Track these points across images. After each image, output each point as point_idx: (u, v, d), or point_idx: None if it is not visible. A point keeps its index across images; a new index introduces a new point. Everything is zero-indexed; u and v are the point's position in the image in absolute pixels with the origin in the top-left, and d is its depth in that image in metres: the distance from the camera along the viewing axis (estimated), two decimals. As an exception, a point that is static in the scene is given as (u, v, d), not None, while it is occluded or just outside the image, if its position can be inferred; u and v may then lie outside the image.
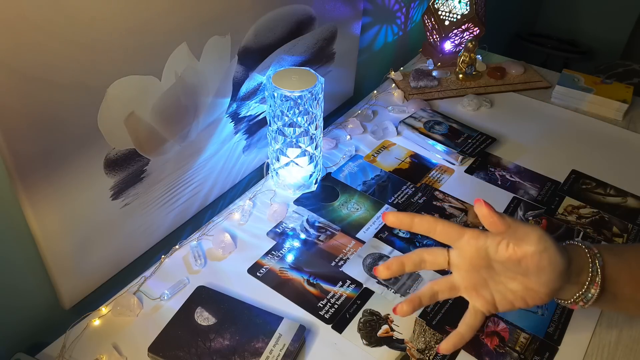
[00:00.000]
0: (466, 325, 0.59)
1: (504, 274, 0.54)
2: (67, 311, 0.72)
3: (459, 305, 0.74)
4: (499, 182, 0.96)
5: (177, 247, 0.80)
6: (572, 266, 0.54)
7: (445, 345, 0.59)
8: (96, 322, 0.70)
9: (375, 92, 1.19)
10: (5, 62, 0.51)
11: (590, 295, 0.55)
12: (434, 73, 1.24)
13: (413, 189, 0.93)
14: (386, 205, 0.89)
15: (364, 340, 0.69)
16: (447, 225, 0.55)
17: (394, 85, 1.22)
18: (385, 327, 0.71)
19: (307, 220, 0.86)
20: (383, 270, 0.57)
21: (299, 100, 0.79)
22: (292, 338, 0.66)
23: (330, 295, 0.74)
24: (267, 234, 0.84)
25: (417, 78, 1.19)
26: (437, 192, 0.93)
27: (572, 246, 0.56)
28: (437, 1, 1.25)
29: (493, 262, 0.54)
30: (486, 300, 0.56)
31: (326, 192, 0.92)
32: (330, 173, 0.96)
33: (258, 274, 0.77)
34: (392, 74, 1.24)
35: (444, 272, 0.76)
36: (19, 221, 0.62)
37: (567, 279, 0.54)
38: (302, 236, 0.83)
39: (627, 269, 0.56)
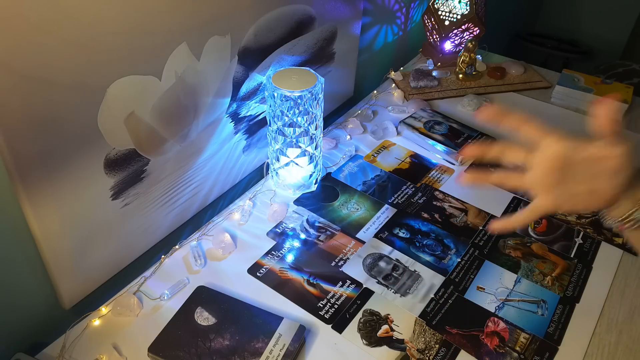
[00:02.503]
0: (523, 217, 0.60)
1: (577, 176, 0.56)
2: (67, 311, 0.72)
3: (459, 306, 0.74)
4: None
5: (177, 247, 0.80)
6: (634, 187, 0.56)
7: (496, 225, 0.61)
8: (96, 322, 0.70)
9: (375, 92, 1.19)
10: (5, 62, 0.51)
11: (639, 215, 0.56)
12: (434, 73, 1.24)
13: (413, 189, 0.93)
14: (386, 206, 0.89)
15: (364, 340, 0.69)
16: (534, 125, 0.58)
17: (394, 85, 1.22)
18: (385, 327, 0.71)
19: (307, 220, 0.86)
20: (468, 151, 0.61)
21: (299, 100, 0.79)
22: (292, 338, 0.66)
23: (330, 295, 0.74)
24: (267, 234, 0.84)
25: (417, 78, 1.19)
26: (437, 192, 0.93)
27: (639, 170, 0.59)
28: (437, 1, 1.25)
29: (572, 162, 0.56)
30: (553, 199, 0.58)
31: (326, 192, 0.92)
32: (330, 173, 0.96)
33: (258, 274, 0.77)
34: (392, 74, 1.24)
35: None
36: (19, 221, 0.62)
37: (628, 189, 0.56)
38: (302, 236, 0.83)
39: None
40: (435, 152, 1.02)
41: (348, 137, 1.05)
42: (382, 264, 0.79)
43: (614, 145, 0.55)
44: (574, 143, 0.56)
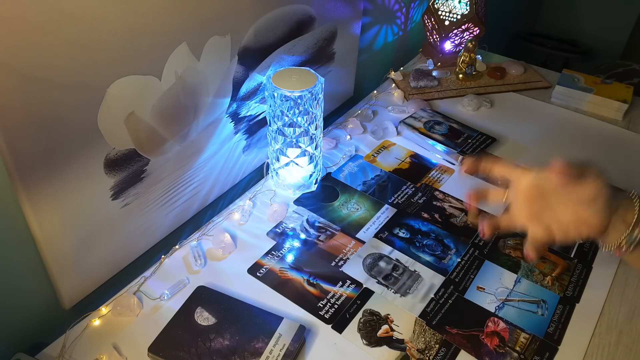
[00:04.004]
0: (528, 252, 0.61)
1: (558, 204, 0.57)
2: (67, 311, 0.72)
3: (459, 306, 0.74)
4: (499, 182, 0.95)
5: (177, 247, 0.80)
6: (619, 209, 0.56)
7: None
8: (96, 322, 0.70)
9: (375, 92, 1.19)
10: (6, 62, 0.51)
11: (634, 236, 0.56)
12: (434, 73, 1.24)
13: (413, 189, 0.93)
14: (386, 206, 0.89)
15: (364, 340, 0.69)
16: (503, 165, 0.62)
17: (394, 85, 1.22)
18: (385, 327, 0.71)
19: (307, 220, 0.86)
20: (472, 197, 0.66)
21: (299, 100, 0.79)
22: (292, 338, 0.66)
23: (330, 295, 0.74)
24: (267, 234, 0.84)
25: (417, 78, 1.19)
26: (437, 192, 0.93)
27: (619, 190, 0.59)
28: (437, 1, 1.25)
29: (547, 192, 0.58)
30: (544, 228, 0.59)
31: (326, 192, 0.92)
32: (330, 173, 0.96)
33: (258, 274, 0.77)
34: (392, 74, 1.24)
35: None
36: (19, 221, 0.62)
37: (615, 212, 0.56)
38: (302, 236, 0.83)
39: None
40: (435, 152, 1.02)
41: (348, 137, 1.05)
42: (382, 264, 0.79)
43: (580, 175, 0.56)
44: (542, 173, 0.58)
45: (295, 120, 0.81)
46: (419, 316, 0.72)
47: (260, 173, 0.99)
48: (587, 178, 0.56)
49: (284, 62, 0.92)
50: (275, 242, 0.82)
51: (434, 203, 0.91)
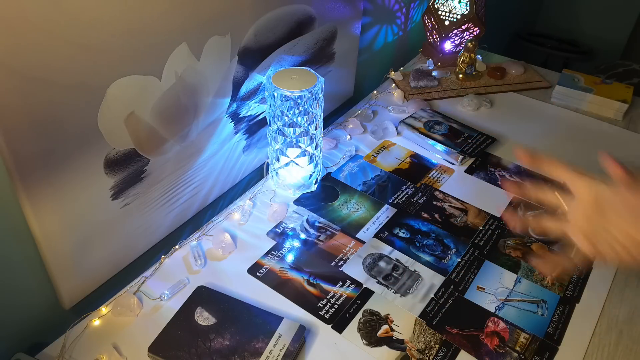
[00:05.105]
0: (568, 261, 0.60)
1: (616, 223, 0.55)
2: (67, 311, 0.72)
3: (459, 306, 0.74)
4: (499, 182, 0.96)
5: (177, 247, 0.80)
6: None
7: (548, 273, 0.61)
8: (96, 322, 0.70)
9: (375, 92, 1.19)
10: (5, 62, 0.51)
11: None
12: (434, 73, 1.24)
13: (413, 189, 0.93)
14: (386, 206, 0.89)
15: (364, 340, 0.69)
16: (565, 169, 0.58)
17: (394, 85, 1.22)
18: (385, 327, 0.71)
19: (307, 220, 0.86)
20: (508, 187, 0.63)
21: (299, 100, 0.79)
22: (292, 338, 0.66)
23: (330, 295, 0.74)
24: (267, 234, 0.84)
25: (417, 78, 1.19)
26: (437, 192, 0.93)
27: None
28: (437, 1, 1.25)
29: (608, 209, 0.55)
30: (594, 248, 0.57)
31: (326, 192, 0.92)
32: (330, 173, 0.96)
33: (258, 274, 0.77)
34: (392, 74, 1.24)
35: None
36: (19, 221, 0.62)
37: None
38: (302, 236, 0.83)
39: None
40: (435, 152, 1.02)
41: (348, 137, 1.05)
42: (382, 264, 0.79)
43: None
44: (605, 186, 0.55)
45: (295, 120, 0.81)
46: (419, 316, 0.72)
47: (260, 173, 0.99)
48: None
49: (284, 62, 0.92)
50: (275, 242, 0.82)
51: (434, 203, 0.91)
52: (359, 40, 1.13)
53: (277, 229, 0.84)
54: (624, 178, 0.55)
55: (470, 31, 1.25)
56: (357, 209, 0.89)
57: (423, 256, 0.81)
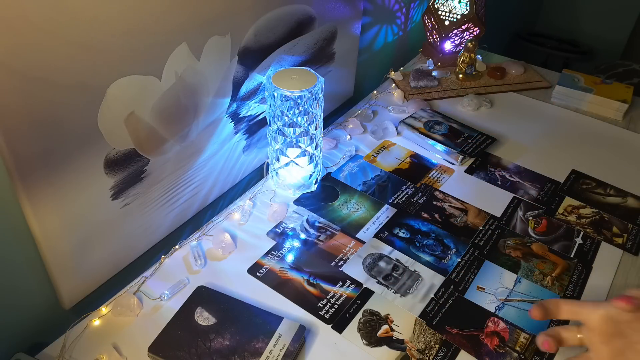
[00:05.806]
0: None
1: (638, 335, 0.53)
2: (67, 311, 0.72)
3: (459, 306, 0.74)
4: (499, 182, 0.96)
5: (177, 247, 0.80)
6: None
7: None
8: (96, 322, 0.70)
9: (375, 92, 1.19)
10: (5, 62, 0.51)
11: None
12: (434, 73, 1.24)
13: (413, 189, 0.93)
14: (386, 206, 0.89)
15: (364, 340, 0.69)
16: (567, 306, 0.57)
17: (394, 85, 1.22)
18: (385, 327, 0.71)
19: (307, 220, 0.86)
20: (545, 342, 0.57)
21: (299, 100, 0.79)
22: (292, 338, 0.66)
23: (330, 295, 0.74)
24: (267, 234, 0.84)
25: (417, 78, 1.19)
26: (437, 192, 0.93)
27: None
28: (437, 1, 1.25)
29: (624, 326, 0.53)
30: None
31: (326, 192, 0.92)
32: (330, 173, 0.96)
33: (258, 274, 0.77)
34: (392, 74, 1.24)
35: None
36: (19, 221, 0.62)
37: None
38: (302, 236, 0.83)
39: None
40: (435, 152, 1.02)
41: (348, 137, 1.05)
42: (382, 264, 0.79)
43: None
44: (612, 306, 0.54)
45: (295, 120, 0.81)
46: (419, 316, 0.72)
47: (260, 173, 0.99)
48: None
49: (284, 62, 0.92)
50: (275, 242, 0.82)
51: (434, 203, 0.91)
52: (359, 40, 1.13)
53: (277, 229, 0.84)
54: (630, 298, 0.53)
55: (470, 31, 1.25)
56: (357, 209, 0.89)
57: (423, 256, 0.81)
